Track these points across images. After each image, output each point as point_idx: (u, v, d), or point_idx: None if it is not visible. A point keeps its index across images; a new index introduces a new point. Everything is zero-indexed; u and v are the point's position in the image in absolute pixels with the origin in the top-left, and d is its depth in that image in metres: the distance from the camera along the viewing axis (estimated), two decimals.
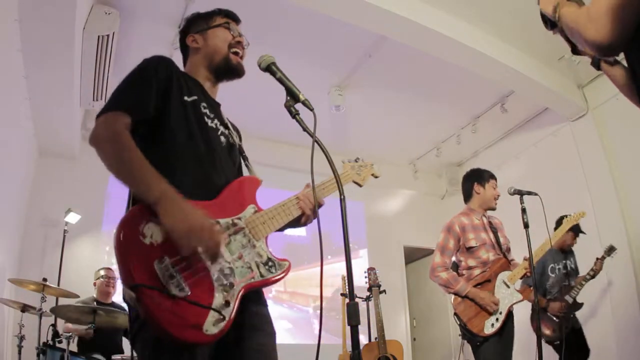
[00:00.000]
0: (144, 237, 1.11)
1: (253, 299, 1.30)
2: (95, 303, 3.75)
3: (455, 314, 2.88)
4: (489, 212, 3.13)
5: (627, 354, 3.82)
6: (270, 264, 1.28)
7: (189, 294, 1.09)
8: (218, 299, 1.13)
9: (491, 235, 2.99)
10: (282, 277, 1.29)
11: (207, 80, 1.52)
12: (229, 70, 1.52)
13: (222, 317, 1.11)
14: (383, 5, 3.50)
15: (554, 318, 3.70)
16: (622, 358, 3.75)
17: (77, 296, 3.46)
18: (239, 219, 1.30)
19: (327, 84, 4.87)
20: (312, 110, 1.25)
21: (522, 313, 3.45)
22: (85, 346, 3.60)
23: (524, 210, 2.73)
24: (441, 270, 2.95)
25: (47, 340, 3.29)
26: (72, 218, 4.29)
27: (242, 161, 1.57)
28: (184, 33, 1.59)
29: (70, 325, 3.51)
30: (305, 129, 1.27)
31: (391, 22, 3.67)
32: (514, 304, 2.81)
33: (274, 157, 5.73)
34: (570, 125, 5.09)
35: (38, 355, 3.04)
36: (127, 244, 1.10)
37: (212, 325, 1.09)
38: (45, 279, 3.28)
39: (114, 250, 1.10)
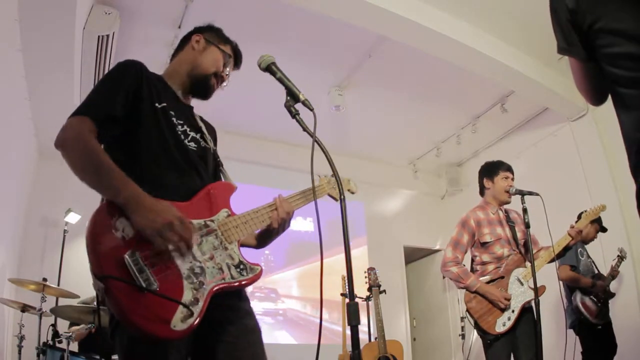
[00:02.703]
0: (116, 230, 1.12)
1: (231, 295, 1.30)
2: (95, 303, 3.75)
3: (467, 310, 2.85)
4: (508, 206, 3.08)
5: (627, 353, 3.82)
6: (241, 266, 1.29)
7: (157, 288, 1.09)
8: (187, 295, 1.13)
9: (507, 230, 2.95)
10: (253, 281, 1.30)
11: (180, 87, 1.52)
12: (201, 85, 1.52)
13: (190, 312, 1.11)
14: (383, 5, 3.49)
15: (597, 302, 3.66)
16: (622, 357, 3.74)
17: (77, 296, 3.46)
18: (212, 221, 1.31)
19: (327, 84, 4.87)
20: (312, 110, 1.25)
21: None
22: (85, 346, 3.60)
23: (525, 210, 2.72)
24: (452, 265, 2.92)
25: (47, 340, 3.29)
26: (72, 218, 4.29)
27: (217, 166, 1.57)
28: (196, 30, 1.59)
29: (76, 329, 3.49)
30: (305, 129, 1.27)
31: (391, 22, 3.67)
32: (528, 302, 2.76)
33: (274, 157, 5.73)
34: (570, 125, 5.09)
35: (38, 355, 3.04)
36: (99, 235, 1.11)
37: (180, 322, 1.09)
38: (45, 279, 3.28)
39: (85, 240, 1.10)
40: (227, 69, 1.56)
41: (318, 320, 1.14)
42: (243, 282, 1.27)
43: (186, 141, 1.41)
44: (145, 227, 1.11)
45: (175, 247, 1.14)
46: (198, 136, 1.47)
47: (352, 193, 1.85)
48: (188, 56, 1.54)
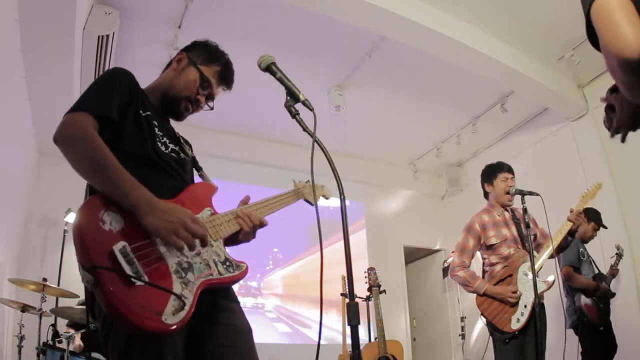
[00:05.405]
0: (103, 223, 1.12)
1: (221, 294, 1.31)
2: (85, 297, 3.73)
3: (481, 313, 2.88)
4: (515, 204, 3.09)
5: (627, 353, 3.82)
6: (227, 263, 1.30)
7: (147, 280, 1.09)
8: (177, 289, 1.13)
9: (513, 229, 2.98)
10: (239, 279, 1.32)
11: (157, 104, 1.50)
12: (171, 108, 1.50)
13: (182, 304, 1.10)
14: (383, 5, 3.50)
15: (599, 304, 3.64)
16: (622, 358, 3.75)
17: (77, 296, 3.46)
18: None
19: (327, 84, 4.87)
20: (312, 110, 1.25)
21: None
22: (85, 346, 3.60)
23: (525, 210, 2.73)
24: (459, 269, 2.97)
25: (47, 340, 3.29)
26: (72, 218, 4.29)
27: (196, 173, 1.58)
28: (184, 48, 1.57)
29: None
30: (305, 129, 1.27)
31: (391, 22, 3.67)
32: (540, 294, 2.74)
33: (274, 157, 5.74)
34: (570, 125, 5.10)
35: (38, 355, 3.04)
36: (86, 228, 1.10)
37: (171, 314, 1.07)
38: (45, 279, 3.27)
39: (73, 234, 1.09)
40: (206, 91, 1.50)
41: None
42: (231, 278, 1.29)
43: (167, 151, 1.42)
44: (160, 227, 1.13)
45: (191, 244, 1.17)
46: (177, 148, 1.48)
47: (326, 199, 1.89)
48: (168, 75, 1.52)
